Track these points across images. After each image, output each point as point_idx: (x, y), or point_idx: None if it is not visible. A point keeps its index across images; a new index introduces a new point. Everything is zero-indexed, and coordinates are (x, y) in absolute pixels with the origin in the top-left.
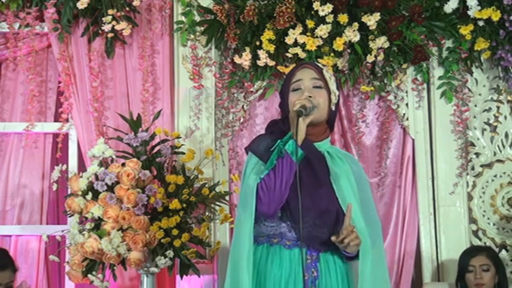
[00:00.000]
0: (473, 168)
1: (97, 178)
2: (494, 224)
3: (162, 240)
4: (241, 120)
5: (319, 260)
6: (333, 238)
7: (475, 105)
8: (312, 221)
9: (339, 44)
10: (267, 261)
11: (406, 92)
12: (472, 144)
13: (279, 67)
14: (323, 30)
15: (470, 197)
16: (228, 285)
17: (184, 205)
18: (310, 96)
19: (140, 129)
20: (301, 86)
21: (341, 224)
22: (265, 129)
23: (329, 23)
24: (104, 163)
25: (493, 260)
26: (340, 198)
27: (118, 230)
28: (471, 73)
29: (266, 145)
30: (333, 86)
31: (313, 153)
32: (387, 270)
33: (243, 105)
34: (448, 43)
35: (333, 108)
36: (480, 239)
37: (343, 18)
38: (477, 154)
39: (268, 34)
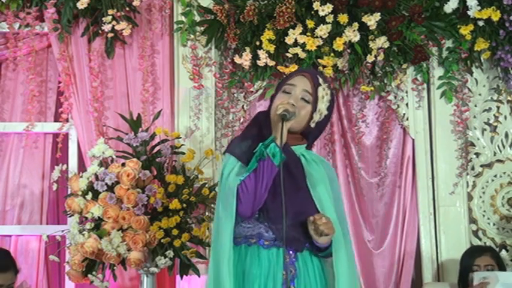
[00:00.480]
0: (473, 168)
1: (97, 178)
2: (494, 224)
3: (162, 240)
4: (241, 120)
5: (297, 259)
6: (311, 218)
7: (475, 105)
8: (290, 222)
9: (339, 44)
10: (246, 261)
11: (406, 92)
12: (472, 144)
13: (279, 67)
14: (323, 30)
15: (470, 197)
16: (211, 285)
17: (184, 205)
18: (293, 105)
19: (140, 129)
20: (291, 91)
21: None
22: (251, 120)
23: (329, 23)
24: (104, 163)
25: (497, 260)
26: (317, 202)
27: (118, 230)
28: (471, 73)
29: (244, 147)
30: (322, 104)
31: (290, 156)
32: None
33: (243, 105)
34: (448, 43)
35: (312, 125)
36: (480, 239)
37: (343, 18)
38: (477, 154)
39: (268, 34)
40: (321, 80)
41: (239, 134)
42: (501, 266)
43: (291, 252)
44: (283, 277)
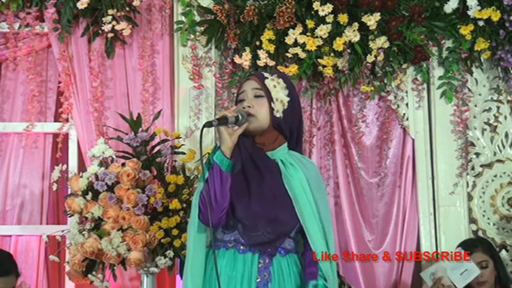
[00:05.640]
0: (473, 168)
1: (97, 178)
2: (494, 224)
3: (162, 240)
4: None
5: (272, 263)
6: None
7: (475, 105)
8: (264, 229)
9: (339, 44)
10: (222, 263)
11: (406, 92)
12: (472, 144)
13: (279, 67)
14: (323, 30)
15: (470, 197)
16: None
17: (184, 205)
18: (249, 106)
19: (140, 129)
20: (244, 97)
21: (296, 233)
22: None
23: (329, 23)
24: (104, 163)
25: (490, 254)
26: (298, 213)
27: (118, 230)
28: (471, 73)
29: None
30: (277, 94)
31: (262, 160)
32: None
33: None
34: (448, 43)
35: (278, 115)
36: None
37: (343, 18)
38: (477, 154)
39: (268, 34)
40: (266, 74)
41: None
42: (495, 258)
43: (265, 257)
44: (257, 281)
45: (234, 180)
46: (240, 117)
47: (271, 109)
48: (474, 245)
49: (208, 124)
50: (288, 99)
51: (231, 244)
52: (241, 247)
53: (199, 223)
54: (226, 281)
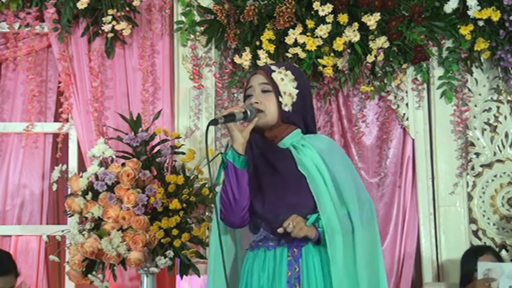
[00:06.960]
0: (473, 168)
1: (97, 178)
2: (494, 224)
3: (162, 240)
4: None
5: (301, 255)
6: (280, 230)
7: (475, 105)
8: (287, 215)
9: (339, 44)
10: (254, 263)
11: (406, 92)
12: (472, 144)
13: None
14: (323, 30)
15: (470, 197)
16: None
17: (184, 205)
18: (256, 102)
19: (140, 129)
20: (252, 92)
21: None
22: None
23: (329, 23)
24: (104, 163)
25: (498, 259)
26: (313, 192)
27: (118, 230)
28: (471, 73)
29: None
30: (285, 87)
31: (273, 153)
32: (378, 252)
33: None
34: (448, 43)
35: (286, 108)
36: (480, 239)
37: (343, 18)
38: (477, 154)
39: (268, 34)
40: (273, 67)
41: None
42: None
43: (294, 249)
44: (288, 276)
45: (248, 181)
46: (248, 112)
47: (279, 103)
48: (485, 248)
49: (213, 122)
50: (297, 91)
51: (261, 243)
52: (271, 243)
53: (223, 225)
54: (257, 279)
